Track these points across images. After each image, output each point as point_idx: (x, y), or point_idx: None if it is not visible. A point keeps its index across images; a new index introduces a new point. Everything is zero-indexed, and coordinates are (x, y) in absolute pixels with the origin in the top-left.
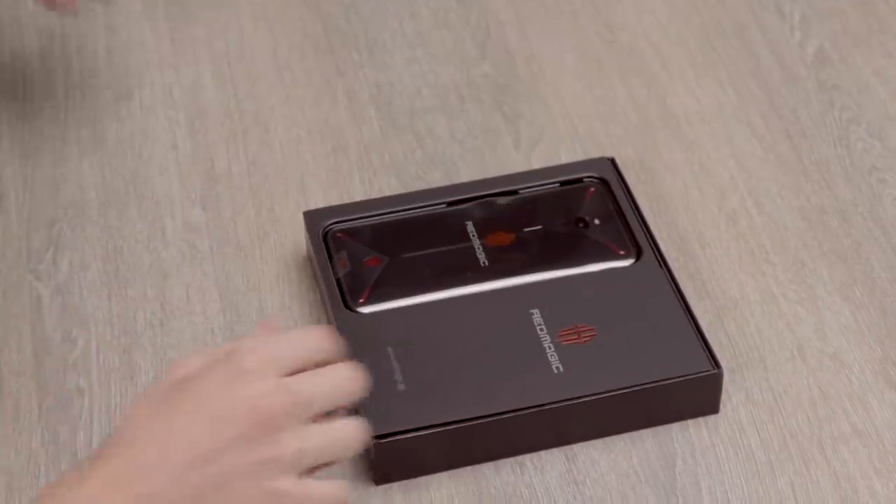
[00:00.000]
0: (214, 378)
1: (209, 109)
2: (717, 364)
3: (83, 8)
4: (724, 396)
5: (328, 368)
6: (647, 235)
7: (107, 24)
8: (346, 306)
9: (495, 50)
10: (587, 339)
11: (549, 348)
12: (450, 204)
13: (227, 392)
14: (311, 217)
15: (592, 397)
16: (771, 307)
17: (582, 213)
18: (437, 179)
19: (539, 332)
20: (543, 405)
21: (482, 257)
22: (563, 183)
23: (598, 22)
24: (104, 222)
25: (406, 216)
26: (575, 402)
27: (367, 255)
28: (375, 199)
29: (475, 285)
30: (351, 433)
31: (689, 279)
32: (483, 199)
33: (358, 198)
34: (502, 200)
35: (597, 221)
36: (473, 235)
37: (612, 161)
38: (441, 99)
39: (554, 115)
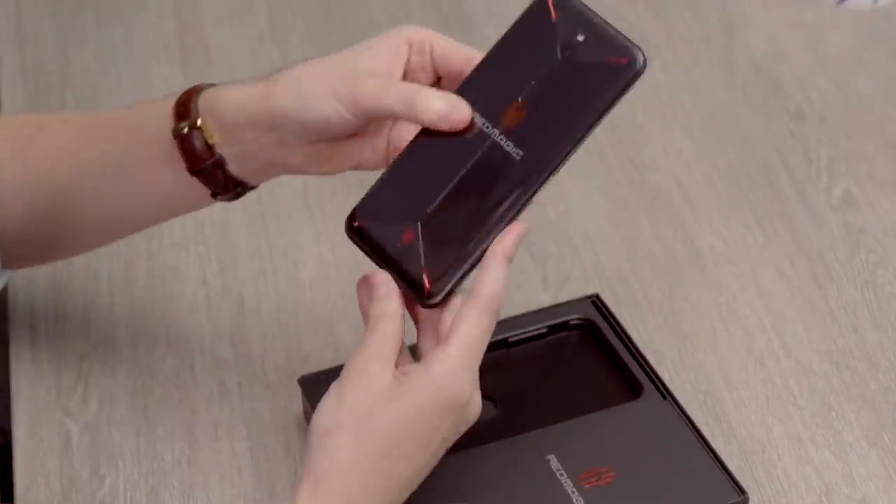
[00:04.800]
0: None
1: (239, 246)
2: (741, 490)
3: None
4: None
5: None
6: (647, 370)
7: None
8: None
9: None
10: (609, 479)
11: (574, 493)
12: None
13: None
14: (308, 383)
15: None
16: (798, 452)
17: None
18: None
19: (560, 478)
20: None
21: None
22: (550, 328)
23: (626, 162)
24: (134, 358)
25: None
26: None
27: None
28: None
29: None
30: None
31: (715, 422)
32: None
33: None
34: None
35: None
36: None
37: (596, 299)
38: None
39: (581, 255)
